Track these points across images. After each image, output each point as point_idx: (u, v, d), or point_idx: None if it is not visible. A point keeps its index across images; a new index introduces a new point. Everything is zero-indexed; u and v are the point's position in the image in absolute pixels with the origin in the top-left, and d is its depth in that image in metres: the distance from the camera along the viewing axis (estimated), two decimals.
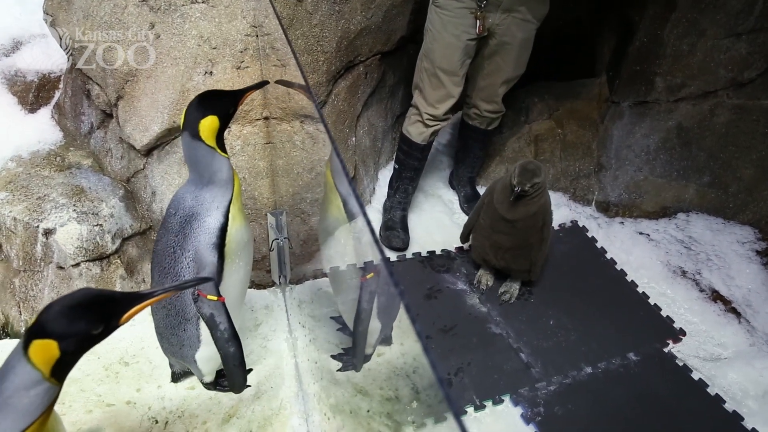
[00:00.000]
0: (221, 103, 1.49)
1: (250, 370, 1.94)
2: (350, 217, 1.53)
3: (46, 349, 1.03)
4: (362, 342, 1.69)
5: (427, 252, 2.59)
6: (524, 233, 2.19)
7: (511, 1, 2.16)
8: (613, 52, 2.91)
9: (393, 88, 2.86)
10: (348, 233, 1.58)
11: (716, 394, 2.06)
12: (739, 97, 2.58)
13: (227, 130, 2.03)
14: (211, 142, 1.47)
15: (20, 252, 2.00)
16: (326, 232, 1.70)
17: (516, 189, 2.06)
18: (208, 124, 1.45)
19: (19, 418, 1.05)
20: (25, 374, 1.04)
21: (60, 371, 1.07)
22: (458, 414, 0.54)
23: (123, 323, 1.08)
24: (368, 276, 1.55)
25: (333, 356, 1.84)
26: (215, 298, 1.50)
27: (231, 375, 1.60)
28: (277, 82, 1.78)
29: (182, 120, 1.47)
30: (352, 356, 1.87)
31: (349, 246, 1.62)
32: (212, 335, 1.53)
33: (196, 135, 1.45)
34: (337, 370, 1.81)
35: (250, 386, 1.89)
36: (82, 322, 1.02)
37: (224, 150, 1.53)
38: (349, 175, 0.97)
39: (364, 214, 0.80)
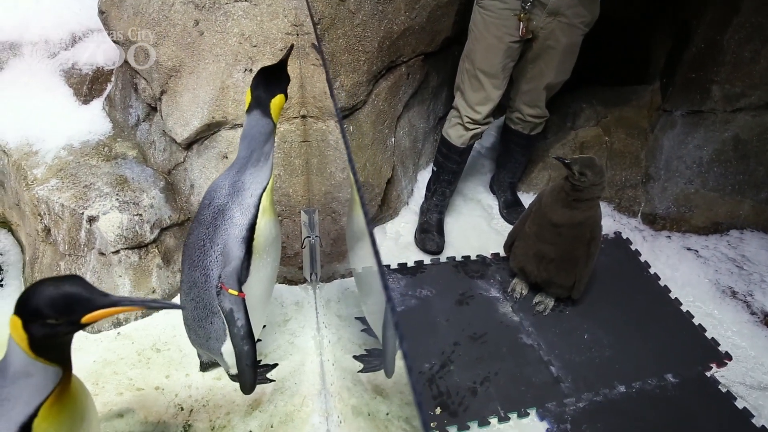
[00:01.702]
0: (283, 81, 1.55)
1: (276, 365, 1.97)
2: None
3: (15, 326, 1.05)
4: (392, 346, 1.67)
5: (462, 257, 2.55)
6: (570, 244, 2.12)
7: (557, 4, 2.10)
8: (668, 58, 2.78)
9: (436, 90, 2.83)
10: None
11: (762, 425, 1.93)
12: None
13: None
14: (277, 119, 1.55)
15: (66, 237, 2.09)
16: (353, 230, 1.70)
17: (567, 162, 2.02)
18: (278, 103, 1.53)
19: (30, 395, 1.09)
20: (15, 350, 1.08)
21: (43, 352, 1.08)
22: None
23: (87, 323, 1.07)
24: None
25: (355, 357, 1.83)
26: (236, 293, 1.52)
27: (242, 374, 1.61)
28: (312, 46, 1.80)
29: (248, 99, 1.52)
30: (380, 360, 1.86)
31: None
32: (229, 330, 1.55)
33: (267, 113, 1.51)
34: (359, 371, 1.81)
35: (274, 381, 1.92)
36: (43, 309, 1.02)
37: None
38: (357, 174, 0.96)
39: (368, 223, 0.78)
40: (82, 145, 2.34)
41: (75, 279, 1.06)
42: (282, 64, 1.57)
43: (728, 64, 2.47)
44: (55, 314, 1.03)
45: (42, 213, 2.14)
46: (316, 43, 1.42)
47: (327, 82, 1.26)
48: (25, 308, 1.04)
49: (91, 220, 2.03)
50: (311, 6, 1.77)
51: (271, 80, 1.53)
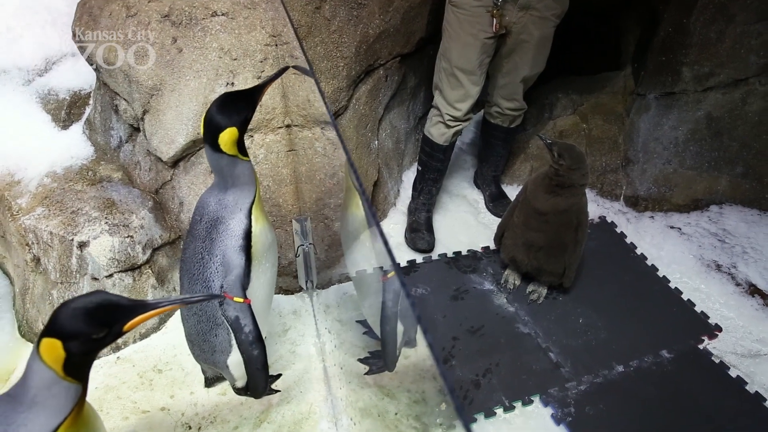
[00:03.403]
0: (238, 112, 1.48)
1: (280, 375, 1.98)
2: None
3: (52, 348, 1.06)
4: (392, 341, 1.68)
5: (453, 253, 2.58)
6: (557, 231, 2.17)
7: None
8: (638, 44, 2.85)
9: (414, 90, 2.86)
10: (370, 234, 1.58)
11: (756, 392, 2.00)
12: None
13: (250, 137, 2.08)
14: (233, 151, 1.49)
15: (57, 265, 2.07)
16: (348, 234, 1.71)
17: (549, 142, 2.08)
18: (228, 138, 1.46)
19: (49, 417, 1.09)
20: (41, 373, 1.07)
21: (73, 370, 1.09)
22: (468, 423, 0.54)
23: (128, 330, 1.09)
24: (389, 275, 1.55)
25: (360, 360, 1.85)
26: (241, 300, 1.52)
27: (253, 379, 1.61)
28: (294, 67, 1.77)
29: (202, 131, 1.48)
30: (382, 357, 1.88)
31: (371, 248, 1.62)
32: (236, 338, 1.55)
33: (217, 149, 1.48)
34: (365, 374, 1.83)
35: (279, 391, 1.92)
36: (85, 325, 1.04)
37: (245, 153, 1.54)
38: (359, 178, 0.97)
39: (376, 223, 0.81)
40: (66, 171, 2.31)
41: (100, 293, 1.08)
42: (248, 92, 1.51)
43: (696, 46, 2.54)
44: (98, 328, 1.05)
45: (30, 242, 2.12)
46: (301, 51, 1.41)
47: (317, 90, 1.27)
48: (64, 329, 1.05)
49: (82, 245, 2.02)
50: (291, 17, 1.78)
51: (222, 113, 1.45)
